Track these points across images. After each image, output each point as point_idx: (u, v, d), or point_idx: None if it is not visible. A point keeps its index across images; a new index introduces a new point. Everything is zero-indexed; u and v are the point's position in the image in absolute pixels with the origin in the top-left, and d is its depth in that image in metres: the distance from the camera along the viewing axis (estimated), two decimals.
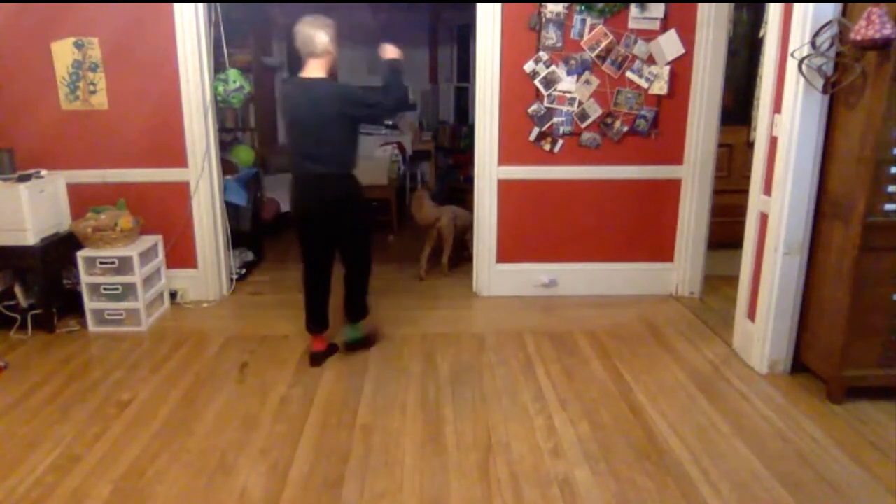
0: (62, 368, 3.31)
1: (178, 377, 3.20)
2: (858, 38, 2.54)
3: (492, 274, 4.31)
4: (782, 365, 3.20)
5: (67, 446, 2.61)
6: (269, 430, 2.72)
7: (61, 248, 3.77)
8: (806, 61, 2.83)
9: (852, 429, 2.70)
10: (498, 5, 3.86)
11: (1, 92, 3.90)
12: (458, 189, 6.85)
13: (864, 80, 2.67)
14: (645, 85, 3.99)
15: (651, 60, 3.96)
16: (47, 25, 3.82)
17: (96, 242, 3.73)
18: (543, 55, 3.95)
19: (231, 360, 3.39)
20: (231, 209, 4.46)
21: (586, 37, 3.92)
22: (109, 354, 3.48)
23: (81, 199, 3.97)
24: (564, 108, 4.04)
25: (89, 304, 3.75)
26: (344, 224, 3.19)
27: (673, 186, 4.18)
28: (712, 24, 3.87)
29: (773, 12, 3.10)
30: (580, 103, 4.02)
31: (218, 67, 4.11)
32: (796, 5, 2.87)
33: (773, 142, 3.11)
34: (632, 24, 3.90)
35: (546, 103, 4.02)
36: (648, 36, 3.93)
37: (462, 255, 4.95)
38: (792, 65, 2.90)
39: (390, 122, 7.45)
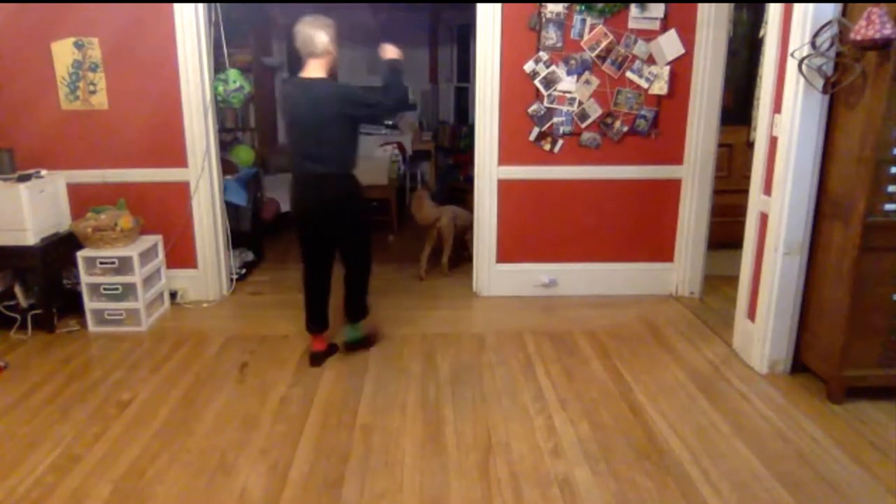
0: (62, 368, 3.31)
1: (178, 377, 3.20)
2: (858, 38, 2.54)
3: (492, 274, 4.31)
4: (782, 365, 3.20)
5: (67, 446, 2.61)
6: (269, 430, 2.72)
7: (61, 248, 3.77)
8: (806, 61, 2.83)
9: (852, 429, 2.70)
10: (498, 5, 3.86)
11: (1, 92, 3.90)
12: (458, 189, 6.85)
13: (864, 80, 2.67)
14: (645, 85, 3.99)
15: (651, 60, 3.96)
16: (47, 25, 3.82)
17: (96, 242, 3.73)
18: (543, 55, 3.95)
19: (231, 360, 3.39)
20: (231, 209, 4.46)
21: (586, 37, 3.92)
22: (109, 354, 3.48)
23: (81, 199, 3.97)
24: (564, 108, 4.04)
25: (89, 304, 3.75)
26: (344, 224, 3.19)
27: (673, 186, 4.18)
28: (712, 24, 3.87)
29: (773, 12, 3.10)
30: (580, 103, 4.02)
31: (218, 67, 4.11)
32: (796, 5, 2.87)
33: (773, 142, 3.11)
34: (632, 24, 3.90)
35: (546, 103, 4.02)
36: (648, 36, 3.93)
37: (462, 255, 4.95)
38: (792, 65, 2.90)
39: (390, 122, 7.45)
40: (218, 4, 4.02)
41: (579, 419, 2.79)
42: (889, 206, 2.69)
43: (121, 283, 3.72)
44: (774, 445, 2.59)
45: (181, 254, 4.17)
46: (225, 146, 5.08)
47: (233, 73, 4.11)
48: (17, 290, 3.79)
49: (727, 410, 2.86)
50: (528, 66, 3.96)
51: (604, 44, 3.91)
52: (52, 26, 3.82)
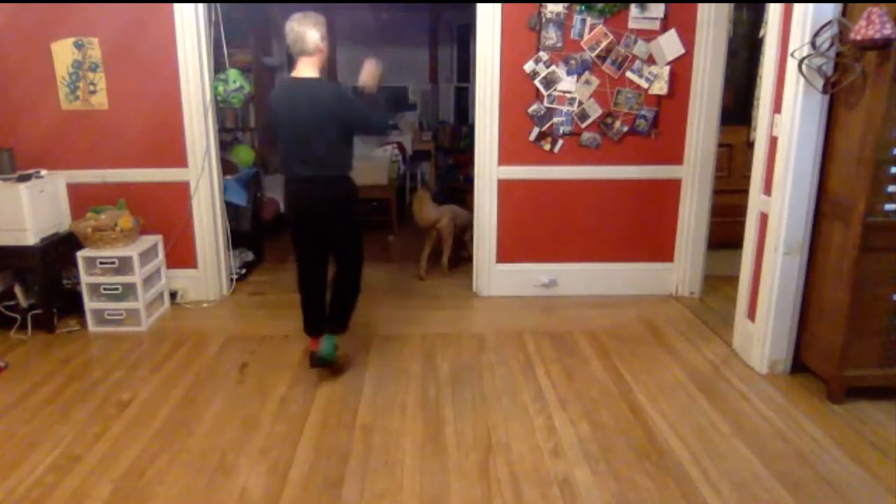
0: (62, 368, 3.31)
1: (178, 377, 3.20)
2: (858, 38, 2.54)
3: (492, 274, 4.31)
4: (782, 365, 3.20)
5: (67, 446, 2.61)
6: (269, 430, 2.72)
7: (61, 248, 3.77)
8: (806, 61, 2.83)
9: (852, 429, 2.70)
10: (498, 5, 3.86)
11: (1, 92, 3.90)
12: (458, 189, 6.85)
13: (864, 80, 2.67)
14: (645, 85, 3.99)
15: (651, 60, 3.96)
16: (47, 25, 3.82)
17: (96, 242, 3.73)
18: (543, 55, 3.95)
19: (231, 360, 3.39)
20: (231, 209, 4.46)
21: (586, 37, 3.92)
22: (109, 354, 3.48)
23: (81, 199, 3.97)
24: (564, 108, 4.04)
25: (89, 304, 3.75)
26: (338, 226, 3.13)
27: (673, 186, 4.18)
28: (712, 24, 3.87)
29: (773, 12, 3.10)
30: (580, 103, 4.02)
31: (218, 67, 4.11)
32: (796, 5, 2.88)
33: (773, 142, 3.11)
34: (632, 24, 3.90)
35: (546, 103, 4.02)
36: (648, 36, 3.93)
37: (461, 255, 4.95)
38: (792, 65, 2.90)
39: (391, 122, 7.44)
40: (218, 4, 4.02)
41: (579, 419, 2.79)
42: (889, 206, 2.69)
43: (121, 283, 3.72)
44: (774, 445, 2.59)
45: (181, 254, 4.18)
46: (225, 146, 5.08)
47: (233, 73, 4.12)
48: (17, 290, 3.79)
49: (727, 410, 2.86)
50: (528, 66, 3.96)
51: (604, 44, 3.91)
52: (52, 26, 3.82)
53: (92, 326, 3.78)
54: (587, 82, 3.99)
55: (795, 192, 2.99)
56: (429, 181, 7.46)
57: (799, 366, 3.17)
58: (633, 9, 3.87)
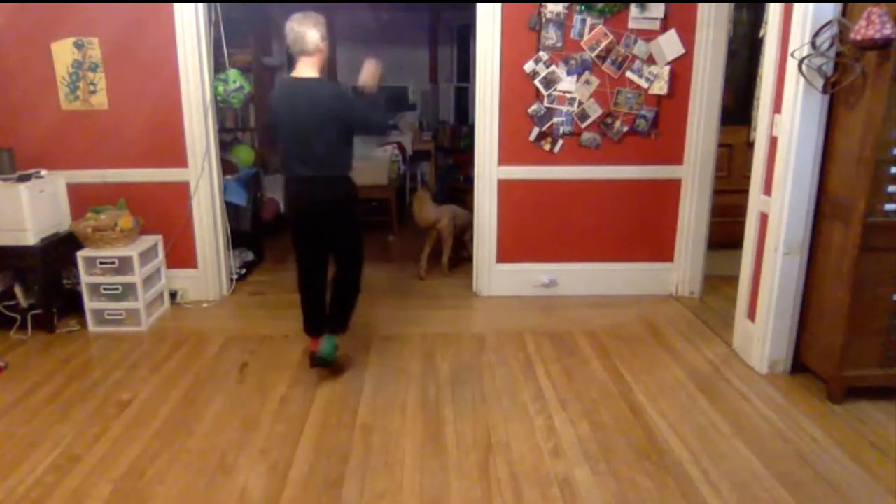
0: (62, 368, 3.31)
1: (178, 377, 3.20)
2: (858, 38, 2.54)
3: (492, 274, 4.31)
4: (782, 365, 3.20)
5: (67, 446, 2.61)
6: (269, 430, 2.72)
7: (61, 248, 3.77)
8: (806, 61, 2.83)
9: (852, 429, 2.70)
10: (498, 5, 3.86)
11: (1, 92, 3.90)
12: (458, 189, 6.85)
13: (864, 80, 2.67)
14: (645, 85, 3.99)
15: (651, 60, 3.96)
16: (47, 25, 3.82)
17: (96, 242, 3.73)
18: (543, 55, 3.95)
19: (231, 360, 3.39)
20: (231, 209, 4.46)
21: (586, 37, 3.92)
22: (109, 354, 3.48)
23: (81, 199, 3.97)
24: (564, 108, 4.04)
25: (89, 304, 3.75)
26: (338, 226, 3.12)
27: (673, 186, 4.18)
28: (712, 24, 3.87)
29: (773, 12, 3.10)
30: (580, 103, 4.02)
31: (218, 67, 4.11)
32: (796, 5, 2.88)
33: (773, 142, 3.11)
34: (632, 24, 3.90)
35: (546, 103, 4.02)
36: (648, 36, 3.93)
37: (461, 255, 4.95)
38: (792, 65, 2.90)
39: (391, 122, 7.44)
40: (218, 4, 4.02)
41: (579, 419, 2.79)
42: (889, 206, 2.69)
43: (121, 283, 3.72)
44: (774, 445, 2.59)
45: (181, 254, 4.18)
46: (225, 146, 5.08)
47: (233, 73, 4.11)
48: (17, 290, 3.79)
49: (727, 410, 2.86)
50: (528, 66, 3.96)
51: (604, 44, 3.91)
52: (52, 26, 3.82)
53: (92, 326, 3.78)
54: (587, 82, 3.99)
55: (795, 192, 2.99)
56: (429, 181, 7.46)
57: (799, 366, 3.17)
58: (633, 9, 3.87)
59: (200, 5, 3.84)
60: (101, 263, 3.73)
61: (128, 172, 4.03)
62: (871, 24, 2.48)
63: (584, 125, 4.06)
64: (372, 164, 5.98)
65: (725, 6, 3.86)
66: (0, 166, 3.69)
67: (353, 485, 2.36)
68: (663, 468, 2.45)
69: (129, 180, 4.03)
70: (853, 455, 2.51)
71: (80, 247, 3.77)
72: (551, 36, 3.92)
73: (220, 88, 4.05)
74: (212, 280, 4.24)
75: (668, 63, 3.96)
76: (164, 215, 4.08)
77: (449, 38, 8.08)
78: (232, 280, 4.43)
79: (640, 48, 3.93)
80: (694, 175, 4.11)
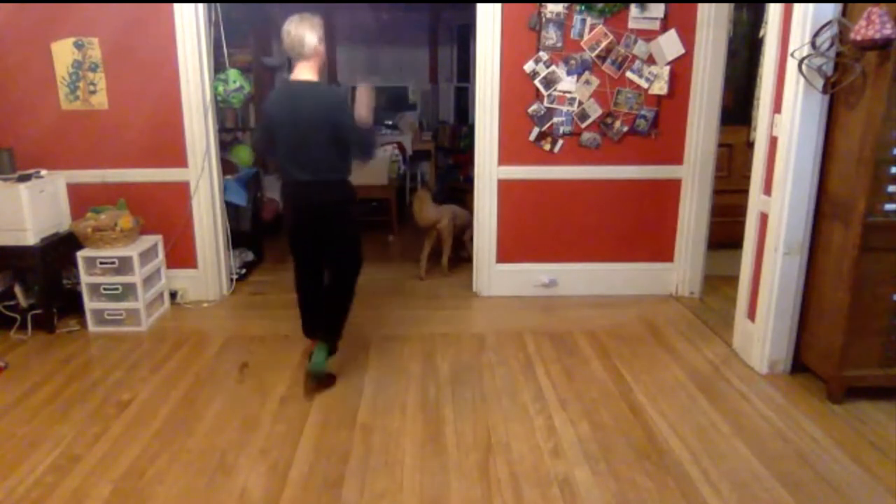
0: (62, 368, 3.31)
1: (178, 377, 3.20)
2: (858, 38, 2.54)
3: (492, 274, 4.31)
4: (782, 365, 3.20)
5: (67, 446, 2.61)
6: (269, 430, 2.72)
7: (61, 248, 3.77)
8: (806, 61, 2.83)
9: (852, 429, 2.70)
10: (498, 5, 3.86)
11: (1, 92, 3.90)
12: (458, 189, 6.85)
13: (864, 80, 2.67)
14: (645, 85, 3.99)
15: (651, 60, 3.96)
16: (47, 25, 3.82)
17: (96, 242, 3.73)
18: (543, 55, 3.95)
19: (231, 360, 3.39)
20: (231, 209, 4.46)
21: (586, 37, 3.92)
22: (109, 354, 3.48)
23: (81, 199, 3.97)
24: (564, 108, 4.04)
25: (89, 304, 3.75)
26: (335, 230, 3.08)
27: (673, 186, 4.18)
28: (712, 24, 3.87)
29: (773, 12, 3.10)
30: (580, 103, 4.02)
31: (218, 67, 4.11)
32: (796, 5, 2.88)
33: (773, 142, 3.11)
34: (632, 24, 3.90)
35: (546, 103, 4.02)
36: (648, 36, 3.93)
37: (461, 255, 4.95)
38: (792, 65, 2.90)
39: (390, 122, 7.45)
40: (218, 4, 4.02)
41: (579, 419, 2.79)
42: (889, 206, 2.69)
43: (121, 283, 3.72)
44: (774, 445, 2.59)
45: (181, 254, 4.18)
46: (225, 146, 5.08)
47: (233, 73, 4.12)
48: (17, 290, 3.79)
49: (727, 410, 2.86)
50: (528, 66, 3.96)
51: (604, 44, 3.91)
52: (52, 26, 3.82)
53: (92, 326, 3.78)
54: (587, 82, 3.99)
55: (795, 192, 2.99)
56: (429, 181, 7.46)
57: (799, 366, 3.17)
58: (633, 9, 3.87)
59: (200, 5, 3.84)
60: (101, 263, 3.73)
61: (128, 172, 4.03)
62: (871, 24, 2.48)
63: (584, 125, 4.06)
64: (372, 163, 5.96)
65: (725, 6, 3.86)
66: (0, 166, 3.69)
67: (353, 485, 2.36)
68: (663, 468, 2.45)
69: (129, 180, 4.03)
70: (853, 455, 2.51)
71: (80, 247, 3.77)
72: (551, 36, 3.92)
73: (220, 88, 4.05)
74: (212, 280, 4.24)
75: (668, 63, 3.96)
76: (164, 215, 4.08)
77: (449, 38, 8.08)
78: (232, 280, 4.43)
79: (640, 48, 3.93)
80: (694, 175, 4.11)
